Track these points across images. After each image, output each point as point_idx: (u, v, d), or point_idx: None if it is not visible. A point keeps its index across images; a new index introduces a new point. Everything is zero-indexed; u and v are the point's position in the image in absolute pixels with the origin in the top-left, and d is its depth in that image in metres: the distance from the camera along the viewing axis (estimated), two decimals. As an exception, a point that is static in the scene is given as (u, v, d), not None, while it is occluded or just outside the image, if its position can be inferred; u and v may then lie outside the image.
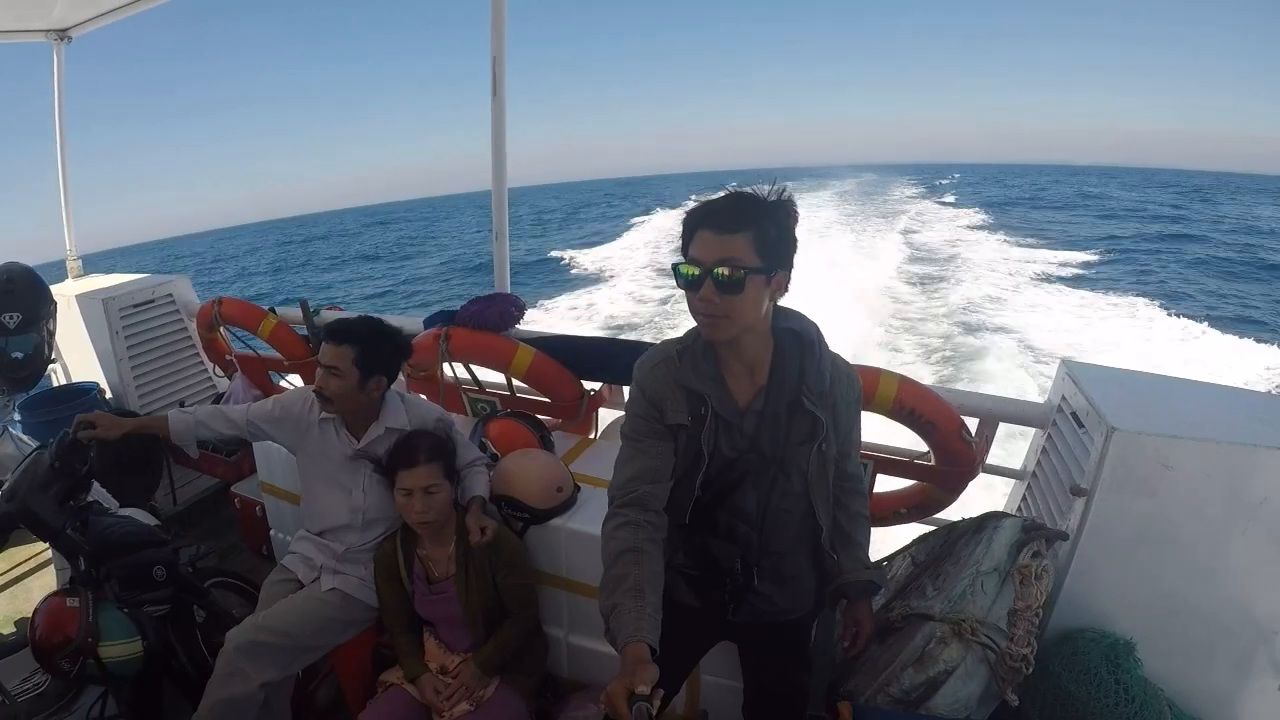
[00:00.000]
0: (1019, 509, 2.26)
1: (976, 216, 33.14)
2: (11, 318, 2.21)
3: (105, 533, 1.96)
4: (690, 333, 1.42)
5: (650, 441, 1.40)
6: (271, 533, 2.73)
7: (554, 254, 28.49)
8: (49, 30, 3.54)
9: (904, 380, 2.17)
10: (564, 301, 19.22)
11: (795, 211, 1.29)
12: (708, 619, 1.61)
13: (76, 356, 3.29)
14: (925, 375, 9.86)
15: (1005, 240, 25.46)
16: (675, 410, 1.39)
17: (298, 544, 2.21)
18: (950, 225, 29.41)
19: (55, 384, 3.44)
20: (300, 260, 43.90)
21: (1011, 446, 2.71)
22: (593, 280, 22.46)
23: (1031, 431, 2.35)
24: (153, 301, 3.30)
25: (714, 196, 1.30)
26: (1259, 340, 12.88)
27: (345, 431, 2.11)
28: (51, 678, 1.95)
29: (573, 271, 24.93)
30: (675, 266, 1.30)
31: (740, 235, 1.24)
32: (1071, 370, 2.07)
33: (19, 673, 2.03)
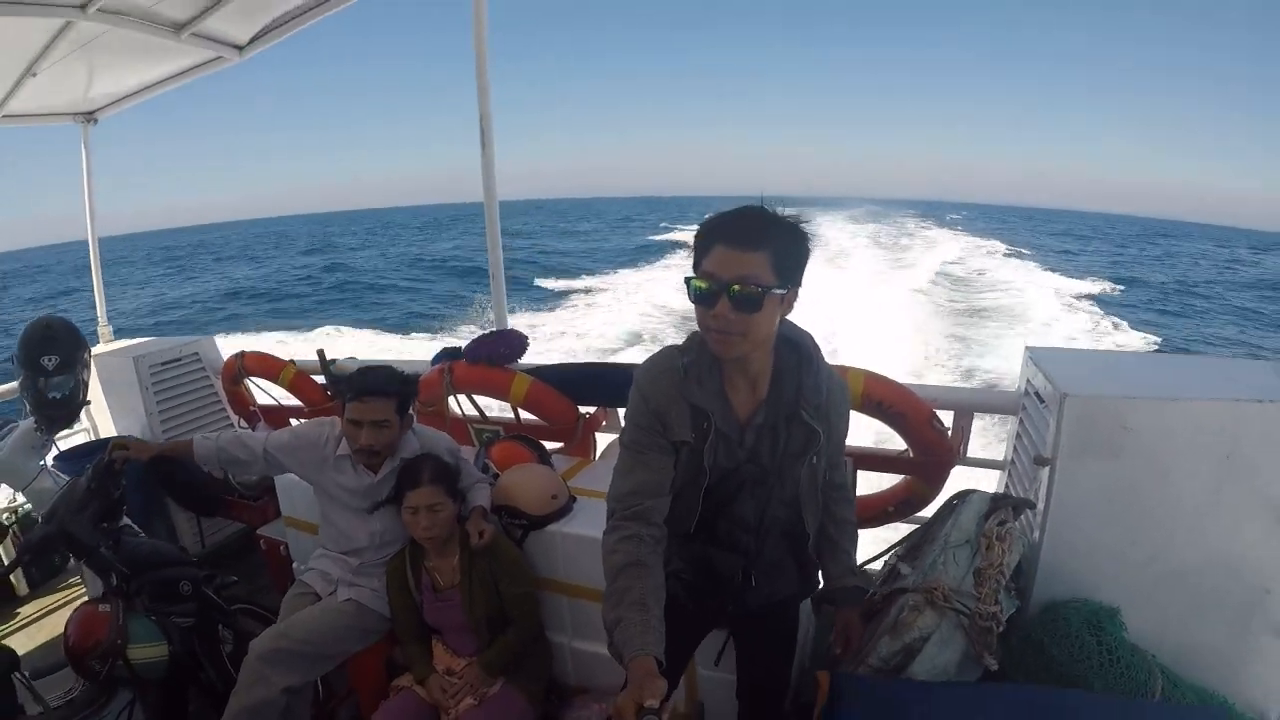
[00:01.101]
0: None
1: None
2: (50, 360, 2.40)
3: (135, 550, 2.15)
4: (693, 342, 1.41)
5: (652, 455, 1.39)
6: (295, 565, 2.83)
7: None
8: (77, 114, 3.82)
9: (870, 374, 2.27)
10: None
11: (808, 232, 1.29)
12: (703, 618, 1.69)
13: (109, 413, 3.50)
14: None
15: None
16: (679, 425, 1.38)
17: (315, 561, 2.34)
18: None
19: (89, 439, 3.65)
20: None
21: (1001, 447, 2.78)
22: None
23: (1010, 422, 2.42)
24: (180, 360, 3.50)
25: (731, 210, 1.28)
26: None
27: (362, 467, 2.22)
28: (84, 683, 2.08)
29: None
30: (688, 280, 1.28)
31: (759, 253, 1.22)
32: (1034, 355, 2.16)
33: (56, 689, 2.18)
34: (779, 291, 1.25)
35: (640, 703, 1.08)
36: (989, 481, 2.53)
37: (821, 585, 1.72)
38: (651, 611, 1.25)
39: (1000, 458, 2.45)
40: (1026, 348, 2.26)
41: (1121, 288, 25.72)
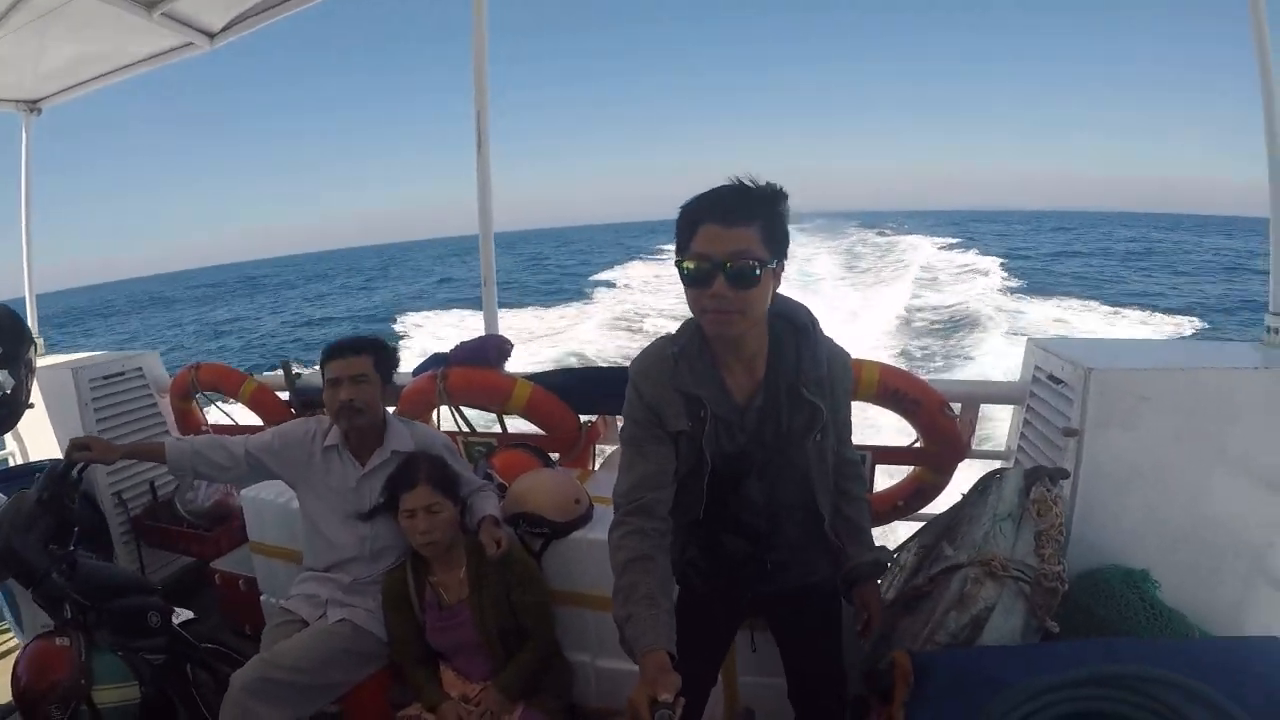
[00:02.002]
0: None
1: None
2: None
3: (94, 574, 1.86)
4: (684, 331, 1.40)
5: (651, 446, 1.38)
6: (262, 598, 2.54)
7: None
8: (19, 101, 3.51)
9: (885, 365, 2.34)
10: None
11: (785, 196, 1.28)
12: (727, 604, 1.63)
13: (41, 434, 3.09)
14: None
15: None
16: (674, 416, 1.37)
17: (299, 585, 2.12)
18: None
19: (14, 464, 3.23)
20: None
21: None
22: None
23: (1007, 421, 2.53)
24: (123, 374, 3.16)
25: (713, 189, 1.26)
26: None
27: (350, 456, 2.08)
28: None
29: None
30: (679, 263, 1.26)
31: (751, 227, 1.21)
32: (1041, 344, 2.27)
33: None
34: (771, 265, 1.25)
35: (654, 697, 1.07)
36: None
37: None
38: (661, 605, 1.23)
39: (1001, 449, 2.53)
40: (1029, 339, 2.38)
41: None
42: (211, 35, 3.02)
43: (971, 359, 13.29)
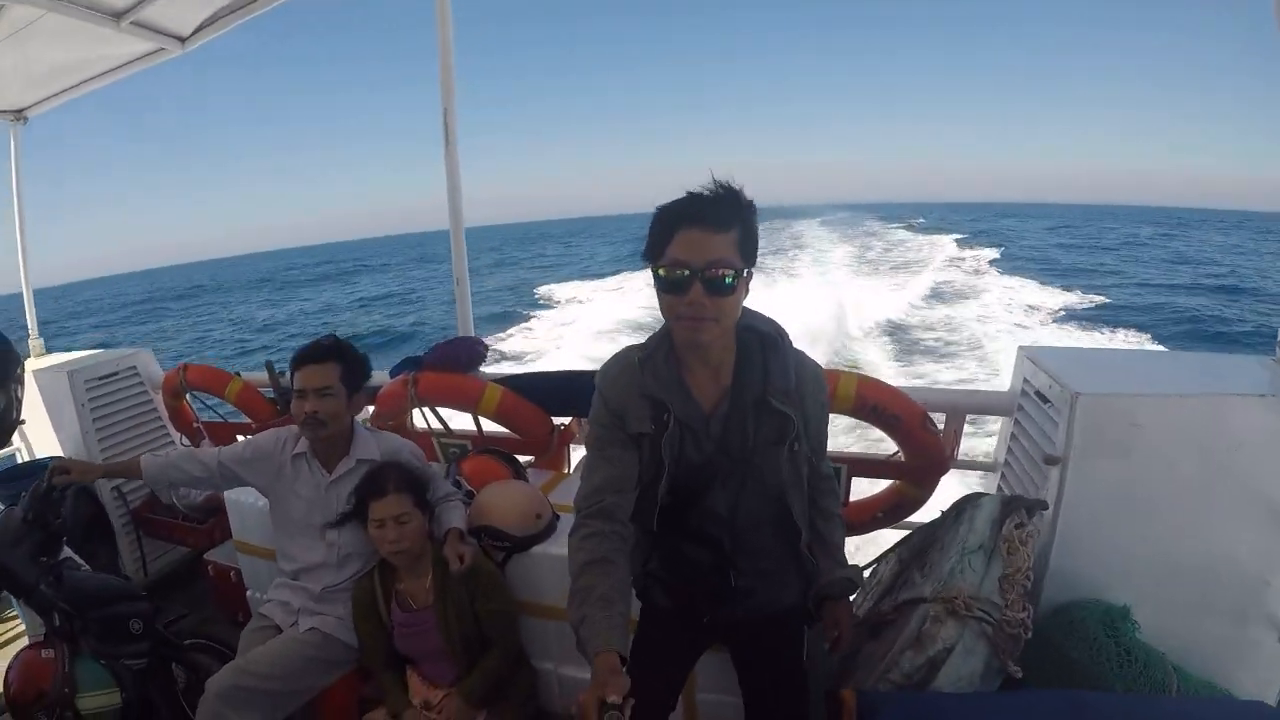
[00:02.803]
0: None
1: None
2: None
3: (80, 585, 1.93)
4: (653, 338, 1.40)
5: (614, 450, 1.39)
6: (248, 593, 2.64)
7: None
8: (4, 111, 3.58)
9: (863, 378, 2.22)
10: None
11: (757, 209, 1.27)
12: (689, 622, 1.60)
13: (40, 432, 3.22)
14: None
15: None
16: (638, 419, 1.37)
17: (274, 591, 2.17)
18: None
19: (20, 461, 3.35)
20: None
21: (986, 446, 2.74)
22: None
23: (999, 424, 2.39)
24: (117, 374, 3.25)
25: (689, 194, 1.24)
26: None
27: (318, 464, 2.10)
28: None
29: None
30: (655, 270, 1.25)
31: (729, 234, 1.21)
32: (1030, 354, 2.14)
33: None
34: (745, 273, 1.24)
35: (603, 699, 1.07)
36: (978, 484, 2.49)
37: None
38: (615, 607, 1.23)
39: (989, 459, 2.41)
40: (1020, 347, 2.24)
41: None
42: (183, 39, 3.02)
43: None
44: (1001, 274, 23.84)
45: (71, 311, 51.45)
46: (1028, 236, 46.47)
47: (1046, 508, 1.83)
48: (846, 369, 2.27)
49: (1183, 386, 1.77)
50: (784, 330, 1.42)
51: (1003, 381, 2.35)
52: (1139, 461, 1.77)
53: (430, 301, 31.94)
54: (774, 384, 1.36)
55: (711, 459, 1.40)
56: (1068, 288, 21.15)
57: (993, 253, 31.47)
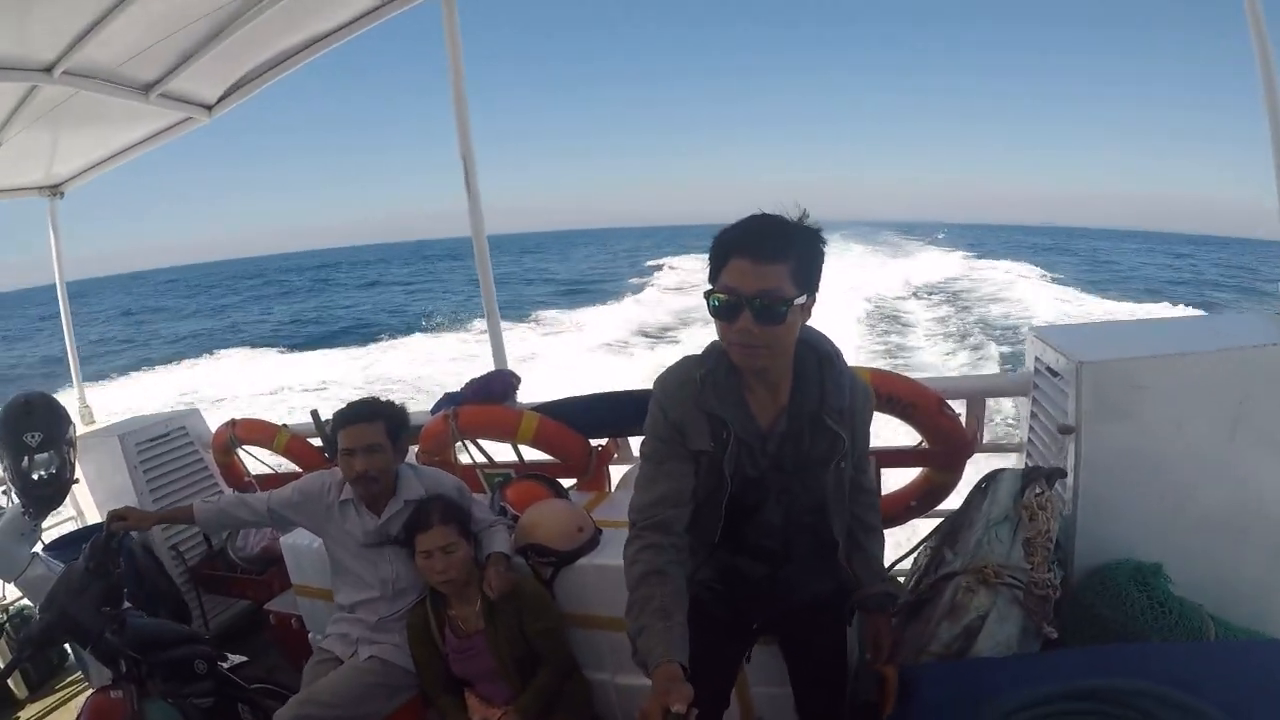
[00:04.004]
0: (1023, 474, 2.33)
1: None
2: (33, 437, 2.26)
3: (143, 630, 2.02)
4: (711, 352, 1.40)
5: (672, 464, 1.39)
6: (310, 636, 2.69)
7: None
8: (43, 187, 3.73)
9: (875, 371, 2.30)
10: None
11: (823, 236, 1.29)
12: (738, 629, 1.65)
13: (97, 497, 3.33)
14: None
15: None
16: (698, 435, 1.37)
17: (333, 625, 2.24)
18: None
19: (78, 526, 3.47)
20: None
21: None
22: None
23: (1023, 403, 2.45)
24: (167, 435, 3.36)
25: (745, 220, 1.26)
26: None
27: (365, 509, 2.17)
28: None
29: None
30: (707, 295, 1.27)
31: (780, 265, 1.21)
32: (1039, 333, 2.21)
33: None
34: (800, 301, 1.25)
35: (667, 708, 1.07)
36: (1010, 465, 2.55)
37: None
38: (674, 618, 1.24)
39: (1016, 439, 2.47)
40: (1031, 328, 2.31)
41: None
42: (209, 108, 3.19)
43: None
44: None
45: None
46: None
47: (1065, 475, 1.89)
48: (859, 365, 2.35)
49: (1182, 346, 1.84)
50: (837, 348, 1.44)
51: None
52: (1146, 421, 1.83)
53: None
54: (829, 403, 1.38)
55: (765, 475, 1.42)
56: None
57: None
